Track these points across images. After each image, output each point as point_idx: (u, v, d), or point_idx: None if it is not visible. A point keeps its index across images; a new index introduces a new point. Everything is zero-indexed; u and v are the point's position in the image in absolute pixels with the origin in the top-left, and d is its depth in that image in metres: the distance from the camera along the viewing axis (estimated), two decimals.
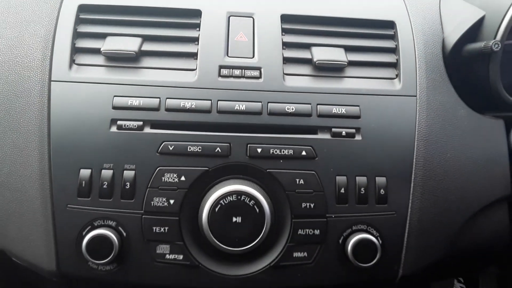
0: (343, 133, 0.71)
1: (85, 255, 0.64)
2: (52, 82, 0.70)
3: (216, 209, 0.66)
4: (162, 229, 0.66)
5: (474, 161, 0.75)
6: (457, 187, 0.73)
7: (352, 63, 0.77)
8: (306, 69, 0.76)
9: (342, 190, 0.69)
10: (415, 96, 0.75)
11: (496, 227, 0.78)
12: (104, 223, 0.66)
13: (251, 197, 0.66)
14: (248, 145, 0.69)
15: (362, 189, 0.69)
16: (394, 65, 0.78)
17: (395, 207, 0.70)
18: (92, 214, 0.66)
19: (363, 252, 0.67)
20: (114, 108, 0.69)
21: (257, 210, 0.66)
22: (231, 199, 0.66)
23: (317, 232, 0.68)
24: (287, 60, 0.76)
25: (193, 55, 0.75)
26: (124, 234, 0.66)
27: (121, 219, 0.66)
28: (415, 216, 0.71)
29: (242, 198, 0.66)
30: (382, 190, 0.70)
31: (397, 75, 0.77)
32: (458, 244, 0.75)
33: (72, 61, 0.72)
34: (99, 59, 0.73)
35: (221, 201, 0.66)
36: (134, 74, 0.73)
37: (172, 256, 0.67)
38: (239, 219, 0.66)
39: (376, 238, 0.68)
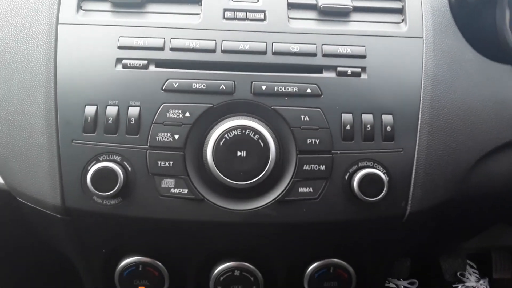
0: (349, 72, 0.70)
1: (90, 187, 0.64)
2: (59, 25, 0.71)
3: (221, 143, 0.65)
4: (167, 164, 0.66)
5: (483, 102, 0.74)
6: (465, 127, 0.72)
7: (357, 9, 0.77)
8: (311, 14, 0.76)
9: (348, 127, 0.68)
10: (422, 37, 0.74)
11: (506, 172, 0.77)
12: (109, 157, 0.66)
13: (256, 131, 0.66)
14: (253, 83, 0.69)
15: (368, 126, 0.68)
16: (400, 11, 0.78)
17: (402, 144, 0.69)
18: (97, 149, 0.66)
19: (370, 186, 0.66)
20: (120, 47, 0.69)
21: (262, 145, 0.66)
22: (236, 133, 0.66)
23: (322, 167, 0.67)
24: (291, 6, 0.76)
25: (198, 1, 0.75)
26: (129, 168, 0.66)
27: (126, 153, 0.66)
28: (422, 153, 0.70)
29: (247, 132, 0.66)
30: (388, 127, 0.69)
31: (403, 20, 0.77)
32: (466, 186, 0.73)
33: (79, 7, 0.73)
34: (106, 6, 0.74)
35: (226, 135, 0.65)
36: (140, 17, 0.73)
37: (176, 190, 0.66)
38: (243, 153, 0.66)
39: (383, 173, 0.67)
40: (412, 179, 0.69)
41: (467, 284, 1.94)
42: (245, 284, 0.73)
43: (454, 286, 1.93)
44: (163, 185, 0.66)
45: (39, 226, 0.78)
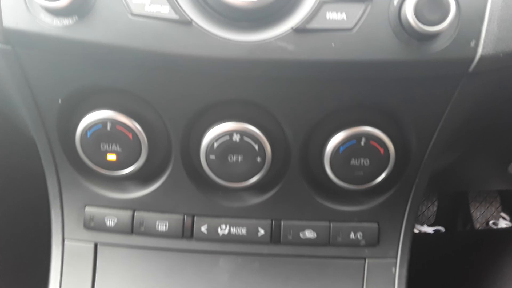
0: None
1: None
2: None
3: None
4: None
5: None
6: None
7: None
8: None
9: None
10: None
11: None
12: None
13: None
14: None
15: None
16: None
17: None
18: None
19: (430, 9, 0.46)
20: None
21: None
22: None
23: None
24: None
25: None
26: None
27: None
28: None
29: None
30: None
31: None
32: None
33: None
34: None
35: None
36: None
37: (153, 8, 0.47)
38: None
39: None
40: (487, 10, 0.49)
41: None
42: (247, 153, 0.55)
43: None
44: (135, 0, 0.48)
45: None
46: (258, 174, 0.57)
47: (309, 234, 0.61)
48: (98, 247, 0.62)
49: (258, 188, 0.60)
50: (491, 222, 1.75)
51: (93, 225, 0.61)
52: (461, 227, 1.79)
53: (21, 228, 0.87)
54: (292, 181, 0.59)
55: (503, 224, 1.83)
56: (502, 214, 1.84)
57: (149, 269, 0.62)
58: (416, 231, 1.63)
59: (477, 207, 1.78)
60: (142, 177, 0.61)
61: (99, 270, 0.61)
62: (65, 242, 0.61)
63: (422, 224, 1.72)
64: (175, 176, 0.59)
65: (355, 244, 0.61)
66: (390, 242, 0.62)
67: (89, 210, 0.61)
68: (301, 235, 0.61)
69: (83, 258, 0.61)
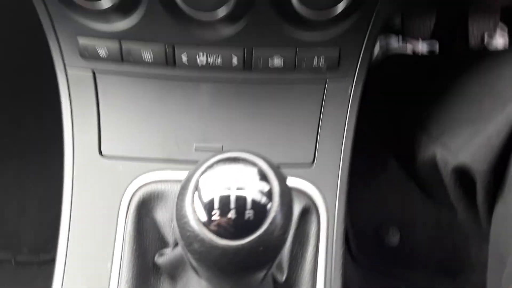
0: None
1: None
2: None
3: None
4: None
5: None
6: None
7: None
8: None
9: None
10: None
11: None
12: None
13: None
14: None
15: None
16: None
17: None
18: None
19: None
20: None
21: None
22: None
23: None
24: None
25: None
26: None
27: None
28: None
29: None
30: None
31: None
32: None
33: None
34: None
35: None
36: None
37: None
38: None
39: None
40: None
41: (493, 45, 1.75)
42: None
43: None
44: None
45: None
46: (226, 2, 0.61)
47: (277, 60, 0.68)
48: (97, 74, 0.71)
49: (230, 19, 0.64)
50: (486, 34, 1.74)
51: (88, 55, 0.69)
52: (458, 41, 1.79)
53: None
54: (262, 11, 0.63)
55: (499, 40, 1.81)
56: (500, 24, 1.80)
57: (144, 93, 0.72)
58: (409, 46, 1.66)
59: (475, 22, 1.75)
60: (122, 10, 0.65)
61: (101, 94, 0.71)
62: (67, 69, 0.70)
63: (417, 39, 1.72)
64: (152, 8, 0.63)
65: (317, 69, 0.69)
66: (349, 64, 0.69)
67: (82, 40, 0.68)
68: (270, 61, 0.68)
69: (86, 84, 0.71)
